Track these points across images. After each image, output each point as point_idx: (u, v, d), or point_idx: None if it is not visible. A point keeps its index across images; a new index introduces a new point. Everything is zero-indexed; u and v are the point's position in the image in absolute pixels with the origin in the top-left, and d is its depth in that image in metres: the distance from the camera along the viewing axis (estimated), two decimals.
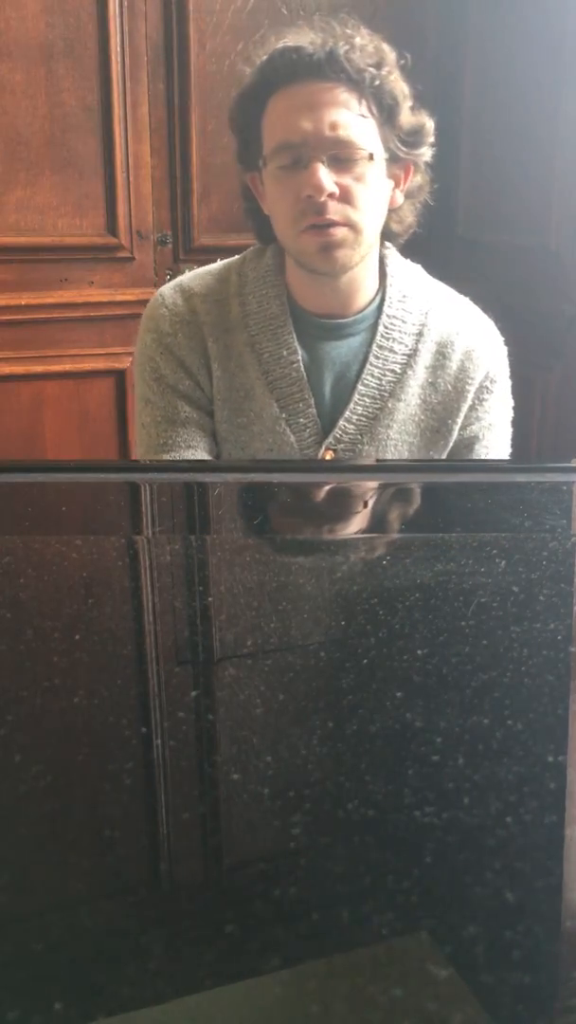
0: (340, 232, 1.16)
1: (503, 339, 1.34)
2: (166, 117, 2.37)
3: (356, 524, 1.02)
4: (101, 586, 0.81)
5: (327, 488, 1.13)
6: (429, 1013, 0.38)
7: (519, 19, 2.26)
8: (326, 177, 1.12)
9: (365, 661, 0.66)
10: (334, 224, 1.15)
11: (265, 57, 1.16)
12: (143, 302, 2.50)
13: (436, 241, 2.57)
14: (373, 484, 1.15)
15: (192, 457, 1.27)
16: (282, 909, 0.43)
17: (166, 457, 1.27)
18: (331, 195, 1.13)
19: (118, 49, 2.27)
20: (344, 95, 1.13)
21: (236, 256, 1.33)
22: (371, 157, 1.14)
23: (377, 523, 1.02)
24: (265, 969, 0.40)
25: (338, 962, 0.41)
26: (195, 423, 1.27)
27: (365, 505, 1.08)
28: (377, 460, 1.34)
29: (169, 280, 2.50)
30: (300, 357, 1.25)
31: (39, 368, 2.38)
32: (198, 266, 1.38)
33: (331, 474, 1.20)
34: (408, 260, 1.33)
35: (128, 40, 2.28)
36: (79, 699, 0.62)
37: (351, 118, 1.13)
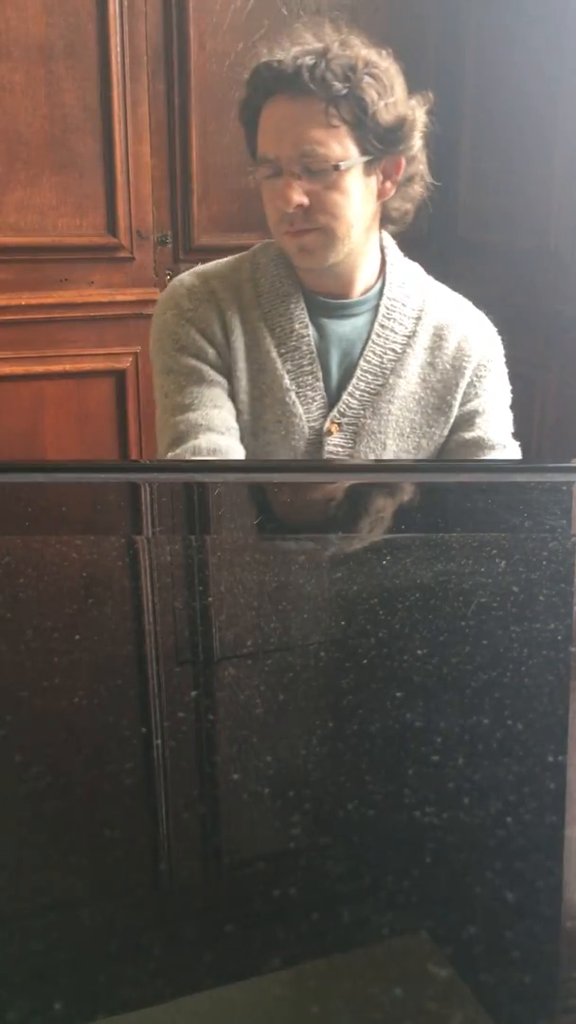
0: (311, 236, 1.26)
1: (496, 330, 1.41)
2: (166, 117, 2.37)
3: (356, 524, 1.02)
4: (101, 586, 0.81)
5: (326, 488, 1.13)
6: (429, 1013, 0.38)
7: (519, 19, 2.26)
8: (294, 190, 1.22)
9: (365, 661, 0.66)
10: (306, 231, 1.25)
11: (248, 74, 1.25)
12: (143, 302, 2.51)
13: (436, 241, 2.57)
14: (373, 484, 1.15)
15: (219, 416, 1.30)
16: (282, 909, 0.43)
17: (192, 416, 1.29)
18: (300, 206, 1.23)
19: (118, 49, 2.27)
20: (312, 109, 1.20)
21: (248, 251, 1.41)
22: (337, 167, 1.21)
23: (377, 523, 1.02)
24: (265, 969, 0.40)
25: (338, 962, 0.41)
26: (219, 385, 1.33)
27: (364, 505, 1.08)
28: (377, 459, 1.34)
29: (169, 280, 2.50)
30: (311, 332, 1.32)
31: (39, 368, 2.38)
32: (199, 266, 1.41)
33: (331, 474, 1.20)
34: (407, 258, 1.40)
35: (128, 40, 2.28)
36: (79, 699, 0.62)
37: (317, 131, 1.20)
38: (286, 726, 0.58)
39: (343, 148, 1.21)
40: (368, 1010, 0.38)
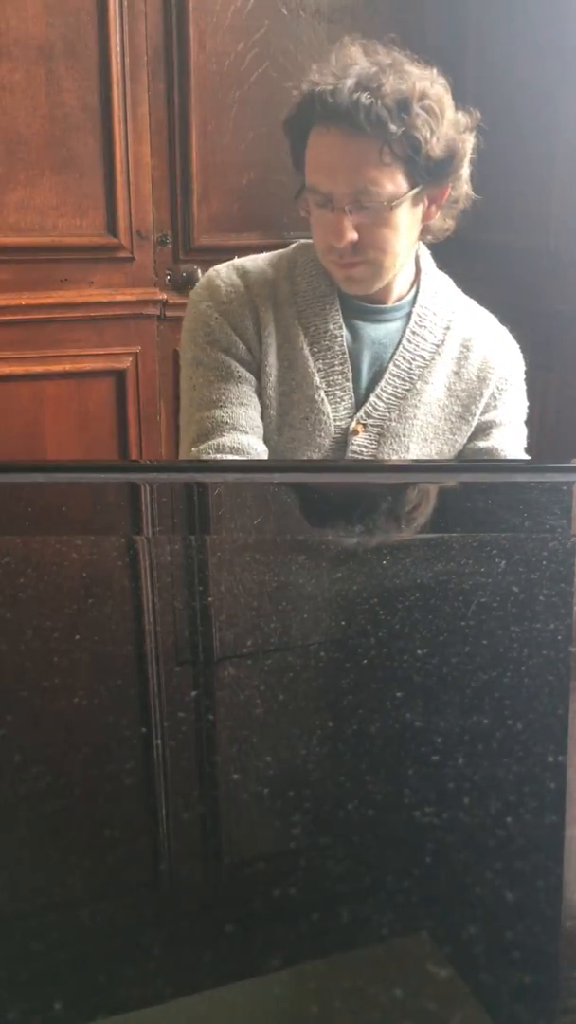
0: (360, 269, 1.28)
1: (518, 347, 1.44)
2: (166, 117, 2.37)
3: (356, 524, 1.02)
4: (101, 586, 0.81)
5: (326, 488, 1.13)
6: (429, 1013, 0.38)
7: (519, 19, 2.26)
8: (346, 226, 1.24)
9: (365, 661, 0.66)
10: (355, 264, 1.27)
11: (300, 97, 1.25)
12: (143, 302, 2.50)
13: (436, 241, 2.57)
14: (373, 484, 1.15)
15: (244, 414, 1.32)
16: (282, 909, 0.43)
17: (218, 413, 1.31)
18: (351, 241, 1.24)
19: (118, 49, 2.27)
20: (367, 147, 1.20)
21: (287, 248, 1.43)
22: (390, 206, 1.22)
23: (377, 523, 1.02)
24: (265, 969, 0.40)
25: (338, 962, 0.41)
26: (247, 382, 1.34)
27: (367, 505, 1.08)
28: (377, 457, 1.34)
29: (169, 280, 2.50)
30: (344, 333, 1.34)
31: (39, 368, 2.38)
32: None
33: (331, 474, 1.20)
34: (439, 270, 1.43)
35: (128, 40, 2.28)
36: (79, 699, 0.62)
37: (370, 170, 1.21)
38: (286, 726, 0.58)
39: (395, 185, 1.22)
40: (368, 1010, 0.38)
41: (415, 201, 1.26)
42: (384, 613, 0.73)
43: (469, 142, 1.28)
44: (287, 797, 0.51)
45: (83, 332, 2.40)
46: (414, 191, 1.24)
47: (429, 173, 1.24)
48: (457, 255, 2.48)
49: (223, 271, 1.37)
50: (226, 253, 1.42)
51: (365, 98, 1.18)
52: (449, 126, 1.24)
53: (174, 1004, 0.39)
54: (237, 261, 1.39)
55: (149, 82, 2.32)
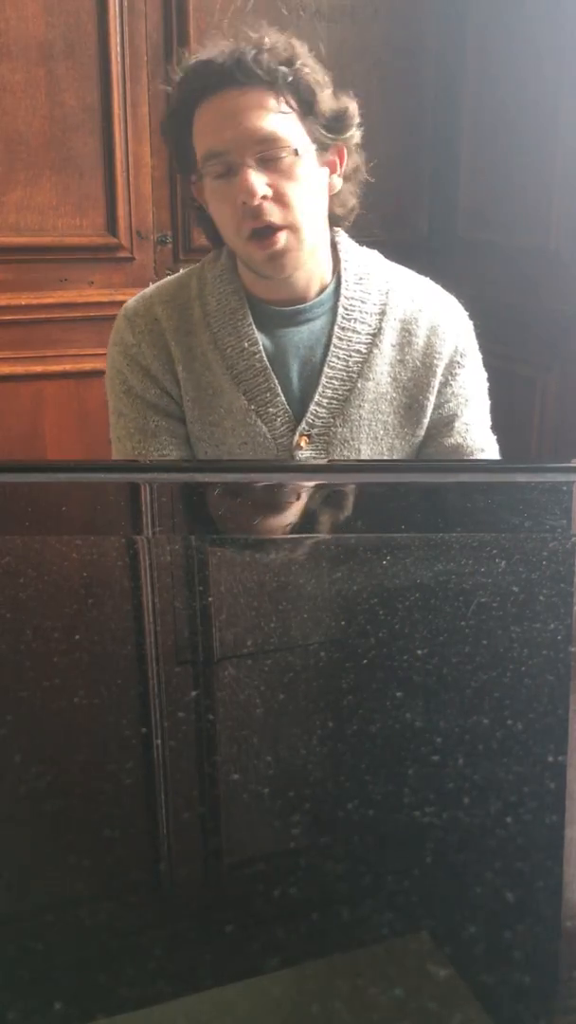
0: (282, 238, 1.18)
1: (467, 314, 1.35)
2: None
3: (356, 524, 1.02)
4: (101, 586, 0.81)
5: (327, 488, 1.13)
6: (429, 1013, 0.38)
7: (519, 19, 2.26)
8: (256, 180, 1.15)
9: (365, 661, 0.66)
10: (274, 228, 1.18)
11: (180, 75, 1.20)
12: None
13: (436, 241, 2.57)
14: (372, 484, 1.15)
15: None
16: (282, 909, 0.43)
17: None
18: (264, 197, 1.16)
19: (118, 49, 2.27)
20: (260, 96, 1.15)
21: (197, 264, 1.36)
22: (296, 152, 1.17)
23: (377, 523, 1.02)
24: (265, 969, 0.40)
25: (338, 962, 0.41)
26: (166, 431, 1.30)
27: (364, 505, 1.08)
28: (367, 459, 1.34)
29: None
30: (262, 347, 1.26)
31: (39, 368, 2.38)
32: (150, 286, 1.39)
33: (331, 474, 1.20)
34: (364, 247, 1.34)
35: (128, 40, 2.28)
36: (79, 699, 0.62)
37: (270, 117, 1.15)
38: (286, 726, 0.58)
39: (296, 136, 1.17)
40: (368, 1010, 0.38)
41: (319, 160, 1.21)
42: (384, 613, 0.73)
43: (355, 108, 1.23)
44: (287, 797, 0.51)
45: (83, 332, 2.40)
46: (315, 146, 1.19)
47: (326, 128, 1.20)
48: (457, 255, 2.48)
49: (131, 307, 1.31)
50: None
51: (248, 51, 1.15)
52: (330, 91, 1.21)
53: (174, 1004, 0.39)
54: (148, 290, 1.33)
55: (149, 82, 2.32)
